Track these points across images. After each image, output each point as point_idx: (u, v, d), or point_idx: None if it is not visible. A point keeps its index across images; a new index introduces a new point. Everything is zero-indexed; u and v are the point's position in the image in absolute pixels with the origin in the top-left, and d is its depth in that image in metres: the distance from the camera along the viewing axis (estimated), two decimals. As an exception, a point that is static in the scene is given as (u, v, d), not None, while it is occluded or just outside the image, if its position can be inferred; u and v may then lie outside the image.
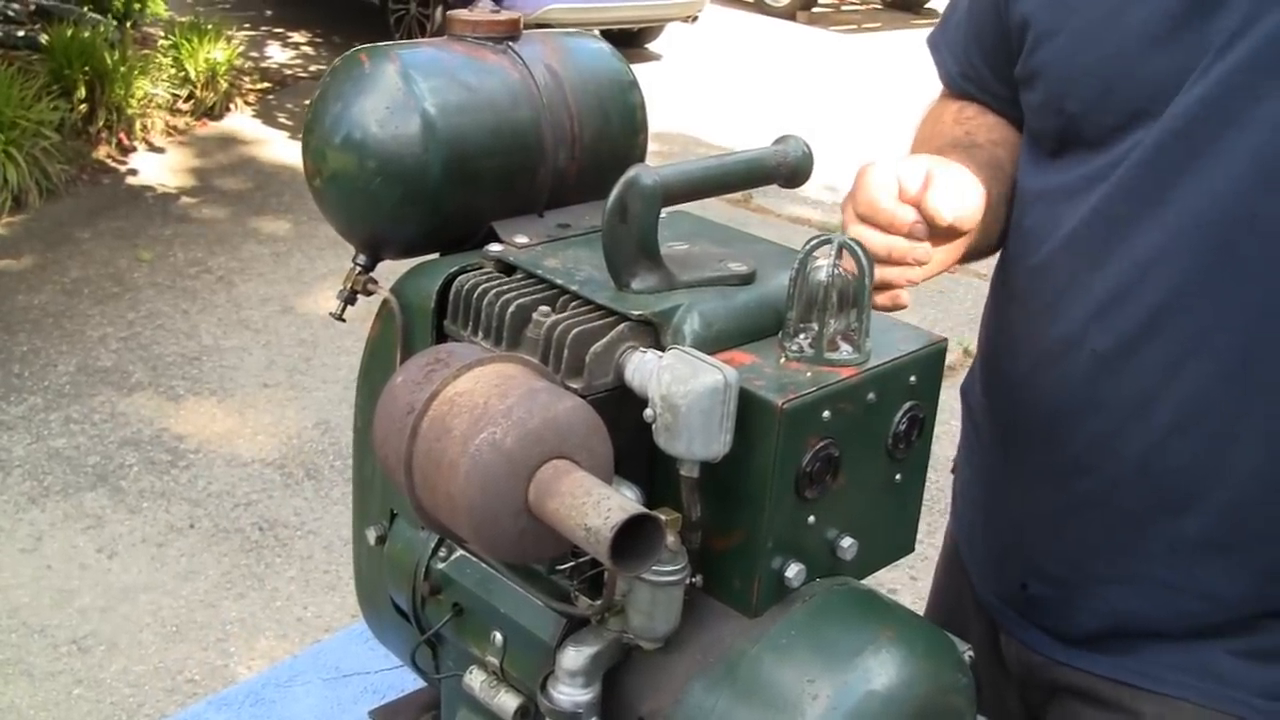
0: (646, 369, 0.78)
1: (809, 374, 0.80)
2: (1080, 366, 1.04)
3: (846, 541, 0.84)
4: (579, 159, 0.92)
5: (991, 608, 1.19)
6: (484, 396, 0.69)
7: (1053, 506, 1.11)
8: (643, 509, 0.63)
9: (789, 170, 0.89)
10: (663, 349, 0.80)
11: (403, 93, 0.85)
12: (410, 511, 0.89)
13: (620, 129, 0.95)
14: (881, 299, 0.94)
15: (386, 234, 0.89)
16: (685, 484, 0.77)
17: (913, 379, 0.85)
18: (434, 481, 0.69)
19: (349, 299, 0.91)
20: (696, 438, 0.76)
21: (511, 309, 0.83)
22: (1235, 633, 1.05)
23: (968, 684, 0.83)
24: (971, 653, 0.85)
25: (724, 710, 0.79)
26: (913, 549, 0.93)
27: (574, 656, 0.81)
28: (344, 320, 0.92)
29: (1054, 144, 1.09)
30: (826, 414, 0.79)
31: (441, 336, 0.88)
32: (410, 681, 1.14)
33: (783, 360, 0.81)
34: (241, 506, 3.26)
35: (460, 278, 0.87)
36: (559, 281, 0.84)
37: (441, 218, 0.88)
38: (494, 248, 0.89)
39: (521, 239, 0.90)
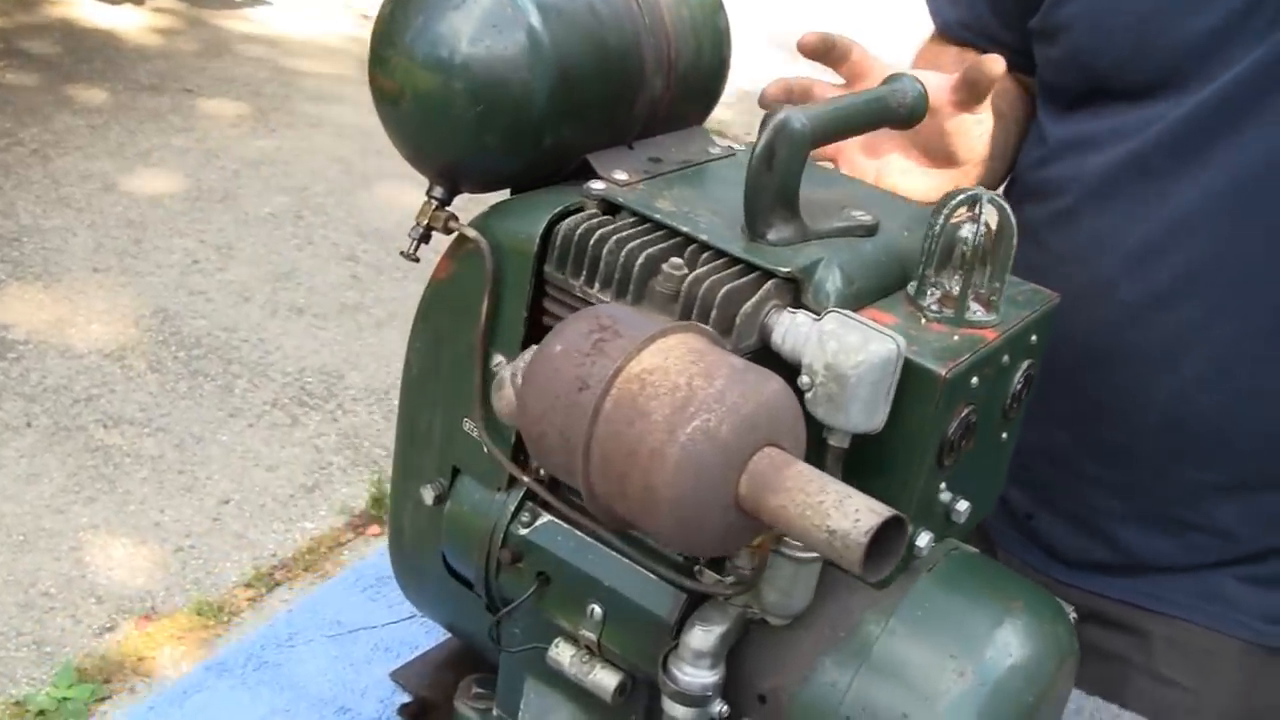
0: (800, 333, 0.72)
1: (955, 337, 0.75)
2: (1108, 316, 1.04)
3: (962, 505, 0.81)
4: (672, 87, 0.84)
5: (991, 527, 1.19)
6: (683, 376, 0.61)
7: (1071, 449, 1.11)
8: (891, 509, 0.58)
9: (907, 111, 0.83)
10: (804, 307, 0.74)
11: (504, 4, 0.75)
12: (480, 472, 0.82)
13: (710, 56, 0.87)
14: None
15: (474, 166, 0.79)
16: (832, 454, 0.72)
17: (1034, 338, 0.82)
18: (624, 470, 0.61)
19: (424, 237, 0.81)
20: (862, 409, 0.70)
21: (641, 259, 0.75)
22: (1243, 563, 1.09)
23: (1078, 648, 0.82)
24: (1075, 614, 0.84)
25: (861, 688, 0.75)
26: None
27: (703, 637, 0.75)
28: (417, 260, 0.82)
29: (1075, 96, 1.08)
30: (975, 380, 0.75)
31: (540, 284, 0.79)
32: (423, 636, 1.06)
33: (924, 322, 0.76)
34: (81, 402, 3.03)
35: (568, 220, 0.78)
36: (684, 229, 0.76)
37: (540, 150, 0.79)
38: (596, 185, 0.80)
39: (620, 175, 0.81)
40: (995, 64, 0.96)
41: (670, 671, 0.76)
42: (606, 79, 0.79)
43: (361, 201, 4.05)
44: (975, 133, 1.03)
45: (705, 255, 0.76)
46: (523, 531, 0.83)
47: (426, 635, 1.06)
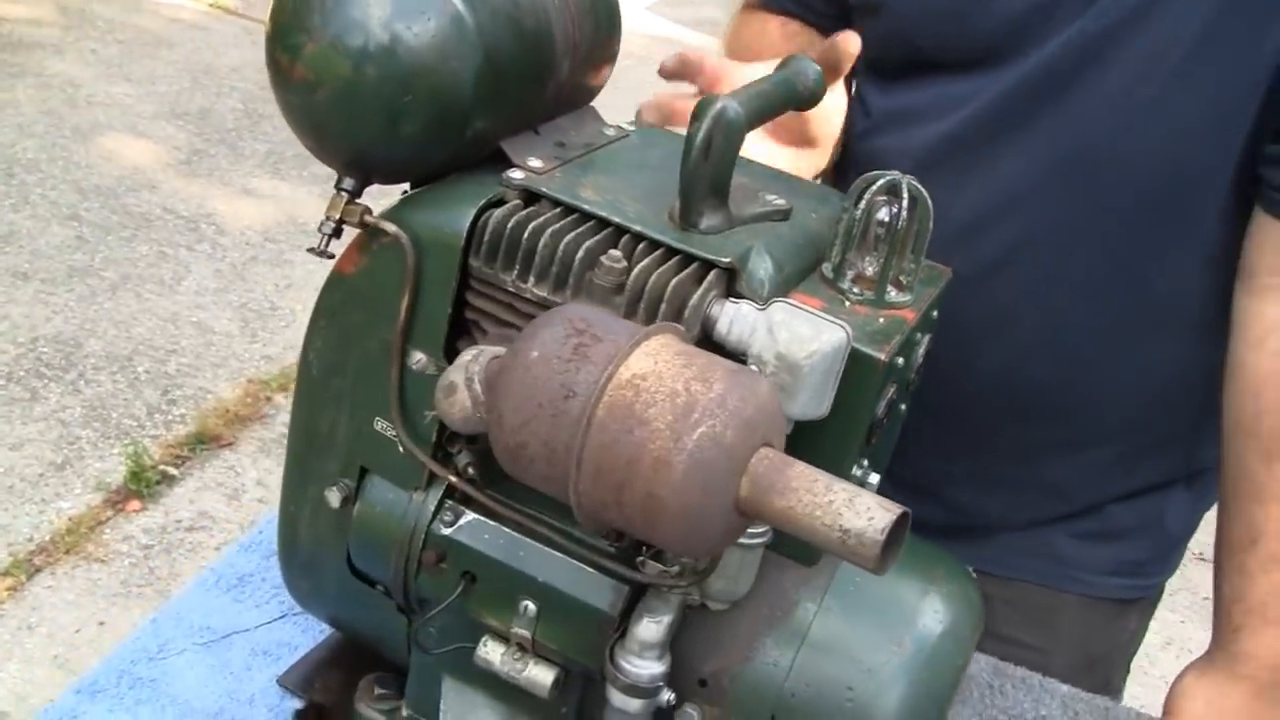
0: (746, 323, 0.72)
1: (881, 320, 0.78)
2: None
3: (874, 478, 0.84)
4: (575, 68, 0.82)
5: None
6: (679, 381, 0.61)
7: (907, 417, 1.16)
8: (899, 505, 0.59)
9: (809, 93, 0.84)
10: (739, 295, 0.75)
11: (438, -6, 0.71)
12: (394, 472, 0.79)
13: (605, 34, 0.85)
14: None
15: (392, 157, 0.75)
16: (775, 441, 0.73)
17: (934, 313, 0.85)
18: (622, 479, 0.60)
19: (336, 231, 0.76)
20: (812, 397, 0.72)
21: (580, 253, 0.73)
22: (1077, 519, 1.18)
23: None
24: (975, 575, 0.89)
25: (803, 665, 0.77)
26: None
27: (652, 628, 0.76)
28: (331, 256, 0.77)
29: (897, 69, 1.12)
30: (900, 360, 0.78)
31: (464, 278, 0.76)
32: (299, 635, 1.02)
33: (848, 305, 0.78)
34: None
35: (495, 212, 0.75)
36: (615, 219, 0.75)
37: (462, 140, 0.75)
38: (515, 174, 0.77)
39: (535, 162, 0.79)
40: (851, 42, 0.98)
41: (619, 664, 0.76)
42: (525, 63, 0.77)
43: (77, 156, 3.75)
44: (831, 113, 1.06)
45: (641, 246, 0.75)
46: (446, 531, 0.81)
47: (303, 634, 1.02)
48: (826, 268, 0.80)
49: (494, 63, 0.73)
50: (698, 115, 0.74)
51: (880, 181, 0.78)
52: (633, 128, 0.90)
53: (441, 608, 0.81)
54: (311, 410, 0.84)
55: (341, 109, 0.72)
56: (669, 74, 0.98)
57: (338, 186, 0.76)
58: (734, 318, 0.73)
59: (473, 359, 0.69)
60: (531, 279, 0.74)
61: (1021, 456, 1.14)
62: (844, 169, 1.15)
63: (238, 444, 2.79)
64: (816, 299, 0.78)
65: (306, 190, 3.83)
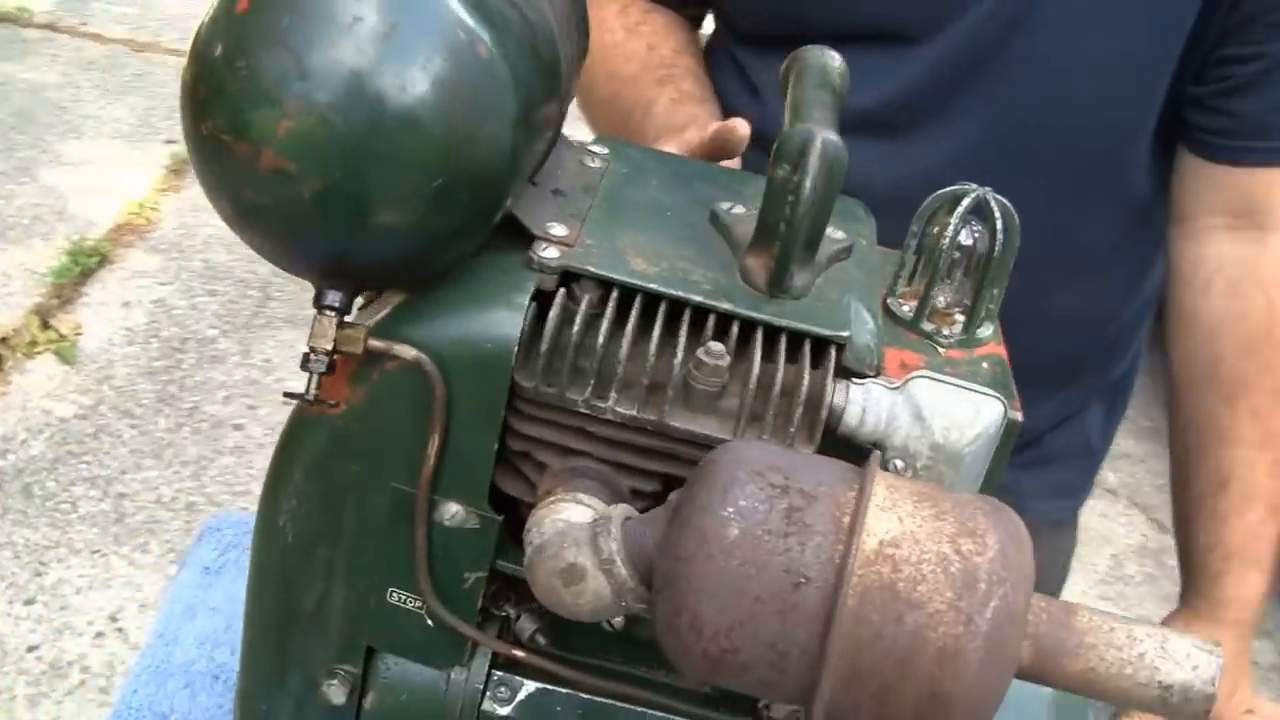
0: (881, 409, 0.59)
1: (984, 365, 0.66)
2: None
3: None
4: (564, 105, 0.64)
5: None
6: (940, 542, 0.46)
7: None
8: (1213, 641, 0.48)
9: (843, 84, 0.70)
10: (849, 372, 0.61)
11: (451, 25, 0.51)
12: (419, 650, 0.62)
13: (584, 43, 0.67)
14: None
15: (402, 258, 0.55)
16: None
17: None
18: (892, 680, 0.46)
19: (329, 367, 0.55)
20: (970, 486, 0.60)
21: (679, 354, 0.56)
22: (1018, 453, 1.15)
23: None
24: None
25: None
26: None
27: (794, 782, 0.62)
28: (323, 403, 0.56)
29: (788, 43, 1.02)
30: (1013, 407, 0.66)
31: (509, 403, 0.58)
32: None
33: (942, 352, 0.66)
34: None
35: (549, 315, 0.57)
36: (694, 297, 0.59)
37: (496, 220, 0.57)
38: (549, 253, 0.59)
39: (558, 229, 0.61)
40: (743, 128, 0.86)
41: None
42: (547, 105, 0.58)
43: None
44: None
45: (737, 328, 0.59)
46: (504, 711, 0.63)
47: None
48: (894, 304, 0.68)
49: (527, 116, 0.54)
50: (789, 155, 0.58)
51: (966, 201, 0.66)
52: (601, 148, 0.72)
53: (511, 806, 0.64)
54: (286, 585, 0.63)
55: (338, 207, 0.51)
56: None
57: (320, 305, 0.55)
58: (865, 405, 0.59)
59: (598, 531, 0.52)
60: (613, 395, 0.57)
61: None
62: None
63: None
64: (914, 354, 0.65)
65: None
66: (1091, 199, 1.00)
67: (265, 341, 3.05)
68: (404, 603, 0.62)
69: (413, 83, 0.50)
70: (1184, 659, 0.48)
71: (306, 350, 0.55)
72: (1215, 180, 0.97)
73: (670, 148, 0.85)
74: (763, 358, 0.57)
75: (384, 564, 0.61)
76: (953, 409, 0.58)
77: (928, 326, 0.67)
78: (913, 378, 0.59)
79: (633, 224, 0.64)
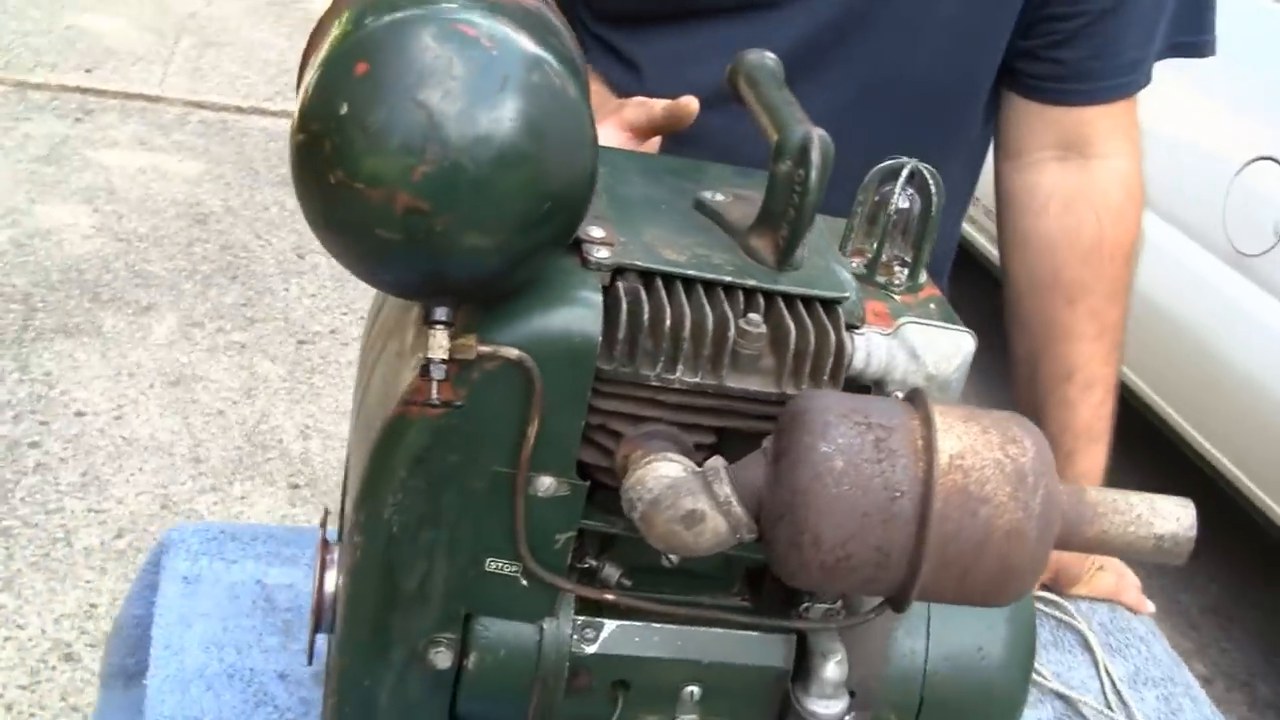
0: (881, 352, 0.72)
1: (932, 305, 0.80)
2: None
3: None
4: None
5: None
6: (993, 450, 0.60)
7: None
8: (1184, 497, 0.64)
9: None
10: (848, 325, 0.73)
11: (548, 73, 0.60)
12: (513, 609, 0.72)
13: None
14: None
15: (508, 276, 0.63)
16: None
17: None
18: (970, 563, 0.59)
19: (447, 374, 0.63)
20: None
21: (731, 329, 0.68)
22: None
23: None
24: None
25: (935, 642, 0.80)
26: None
27: (837, 668, 0.75)
28: (448, 404, 0.64)
29: (652, 19, 1.12)
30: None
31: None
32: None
33: (898, 299, 0.80)
34: None
35: (622, 306, 0.67)
36: (725, 278, 0.70)
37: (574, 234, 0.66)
38: (601, 253, 0.69)
39: (596, 230, 0.70)
40: (694, 104, 0.95)
41: (809, 710, 0.75)
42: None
43: None
44: None
45: (763, 300, 0.71)
46: (591, 649, 0.74)
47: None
48: (855, 265, 0.81)
49: (594, 139, 0.64)
50: (790, 152, 0.70)
51: (904, 172, 0.79)
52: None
53: (604, 728, 0.74)
54: (390, 570, 0.71)
55: (467, 237, 0.60)
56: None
57: (432, 321, 0.63)
58: (869, 351, 0.72)
59: (710, 479, 0.63)
60: (680, 367, 0.68)
61: None
62: None
63: None
64: (879, 303, 0.78)
65: None
66: (945, 142, 1.15)
67: (41, 354, 2.93)
68: (500, 569, 0.71)
69: (525, 123, 0.59)
70: (1169, 515, 0.63)
71: (424, 361, 0.63)
72: (1045, 119, 1.14)
73: (611, 128, 0.94)
74: (784, 325, 0.69)
75: (482, 538, 0.70)
76: (939, 345, 0.72)
77: (880, 279, 0.80)
78: (903, 323, 0.73)
79: (644, 219, 0.74)
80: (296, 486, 2.67)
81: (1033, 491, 0.60)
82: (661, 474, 0.65)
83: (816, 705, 0.75)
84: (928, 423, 0.60)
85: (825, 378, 0.69)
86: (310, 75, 0.60)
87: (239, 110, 4.42)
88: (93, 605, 2.26)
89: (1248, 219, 2.70)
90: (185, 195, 3.77)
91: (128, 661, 1.06)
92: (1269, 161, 2.67)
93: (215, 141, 4.15)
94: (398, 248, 0.60)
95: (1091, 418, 1.18)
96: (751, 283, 0.70)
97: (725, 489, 0.62)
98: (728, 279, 0.70)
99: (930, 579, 0.60)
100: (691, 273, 0.70)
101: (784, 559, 0.61)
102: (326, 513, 0.84)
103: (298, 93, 0.62)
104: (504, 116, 0.58)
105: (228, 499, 2.58)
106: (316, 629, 0.78)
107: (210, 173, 3.93)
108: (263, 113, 4.42)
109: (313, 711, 0.93)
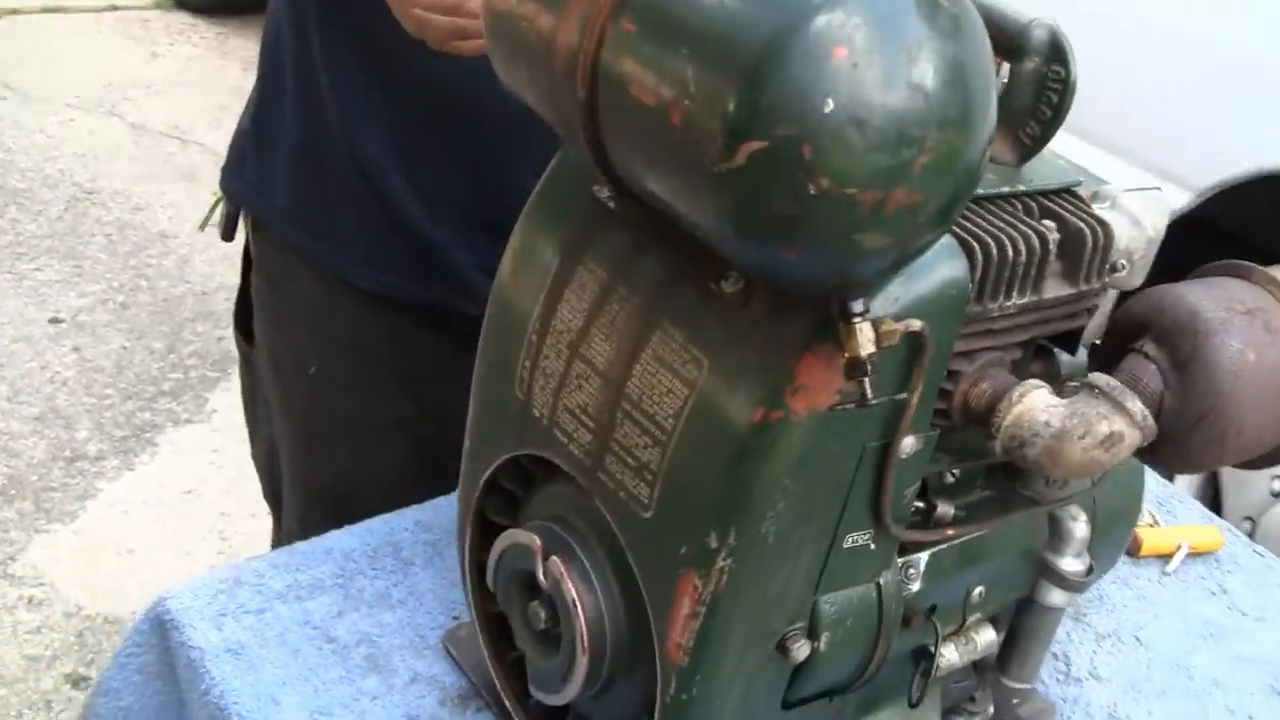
0: (1119, 225, 0.74)
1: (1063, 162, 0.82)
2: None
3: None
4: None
5: None
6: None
7: None
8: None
9: None
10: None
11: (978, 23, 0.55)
12: (855, 577, 0.71)
13: None
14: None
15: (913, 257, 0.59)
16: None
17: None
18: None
19: (874, 366, 0.57)
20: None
21: (1042, 248, 0.67)
22: None
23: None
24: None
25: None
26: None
27: (1083, 525, 0.80)
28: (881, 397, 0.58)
29: None
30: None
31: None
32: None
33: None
34: None
35: (984, 248, 0.64)
36: (1003, 189, 0.69)
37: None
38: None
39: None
40: None
41: (1061, 570, 0.80)
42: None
43: None
44: None
45: (1031, 203, 0.70)
46: (915, 587, 0.73)
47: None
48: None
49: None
50: (1036, 48, 0.68)
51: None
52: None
53: (934, 655, 0.75)
54: (764, 581, 0.65)
55: (938, 219, 0.54)
56: None
57: (850, 315, 0.57)
58: (1117, 225, 0.73)
59: (1120, 398, 0.63)
60: (1015, 294, 0.66)
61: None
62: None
63: None
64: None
65: None
66: None
67: None
68: (856, 543, 0.68)
69: (985, 83, 0.53)
70: None
71: (851, 360, 0.57)
72: None
73: None
74: (1075, 219, 0.70)
75: (844, 517, 0.66)
76: (1150, 209, 0.75)
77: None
78: (1120, 194, 0.75)
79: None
80: None
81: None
82: (1049, 404, 0.64)
83: (1063, 564, 0.80)
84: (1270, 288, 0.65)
85: (1102, 264, 0.71)
86: (739, 63, 0.50)
87: None
88: None
89: None
90: None
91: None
92: None
93: None
94: (872, 249, 0.53)
95: None
96: (1023, 188, 0.69)
97: (1137, 404, 0.63)
98: (1005, 190, 0.69)
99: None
100: (979, 190, 0.67)
101: (1203, 452, 0.64)
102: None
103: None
104: (977, 86, 0.52)
105: None
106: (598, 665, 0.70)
107: None
108: None
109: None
